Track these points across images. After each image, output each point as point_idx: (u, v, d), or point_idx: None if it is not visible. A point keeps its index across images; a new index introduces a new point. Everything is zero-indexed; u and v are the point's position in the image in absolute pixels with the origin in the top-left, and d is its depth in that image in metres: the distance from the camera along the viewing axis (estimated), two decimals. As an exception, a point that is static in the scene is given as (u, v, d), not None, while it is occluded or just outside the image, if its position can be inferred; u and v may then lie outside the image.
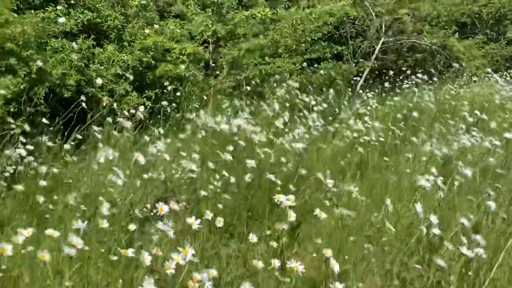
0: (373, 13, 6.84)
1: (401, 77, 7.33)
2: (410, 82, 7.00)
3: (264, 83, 5.31)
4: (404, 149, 3.73)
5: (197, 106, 5.02)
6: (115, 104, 4.89)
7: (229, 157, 2.83)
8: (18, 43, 4.08)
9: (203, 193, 2.59)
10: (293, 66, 5.61)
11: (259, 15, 4.82)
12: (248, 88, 4.94)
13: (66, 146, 3.70)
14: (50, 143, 3.61)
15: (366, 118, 4.49)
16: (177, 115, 4.83)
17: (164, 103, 4.73)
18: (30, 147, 3.37)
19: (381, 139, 3.76)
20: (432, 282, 2.04)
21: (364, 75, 7.02)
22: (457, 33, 8.24)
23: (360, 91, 6.46)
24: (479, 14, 9.92)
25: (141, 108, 4.93)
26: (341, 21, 6.50)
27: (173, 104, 5.04)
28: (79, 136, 3.89)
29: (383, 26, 7.36)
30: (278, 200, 2.15)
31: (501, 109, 5.59)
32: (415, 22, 7.53)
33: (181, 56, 4.69)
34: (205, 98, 5.13)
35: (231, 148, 3.00)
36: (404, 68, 7.82)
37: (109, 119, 4.10)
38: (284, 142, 3.17)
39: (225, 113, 4.50)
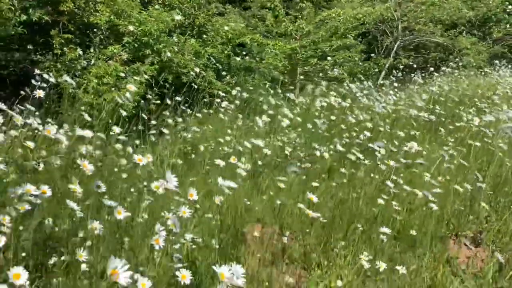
0: (396, 16, 8.19)
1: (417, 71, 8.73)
2: (423, 74, 8.44)
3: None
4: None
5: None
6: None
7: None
8: (153, 37, 5.15)
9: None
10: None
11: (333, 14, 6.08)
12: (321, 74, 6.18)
13: (198, 115, 4.83)
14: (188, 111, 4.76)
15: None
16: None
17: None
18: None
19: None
20: None
21: (386, 66, 8.37)
22: (464, 32, 9.71)
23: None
24: (469, 17, 11.46)
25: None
26: (375, 22, 7.80)
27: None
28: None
29: (399, 27, 8.74)
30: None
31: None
32: (425, 23, 8.93)
33: (273, 51, 5.86)
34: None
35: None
36: (415, 65, 9.23)
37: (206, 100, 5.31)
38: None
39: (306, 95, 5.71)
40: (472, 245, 3.19)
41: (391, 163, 2.96)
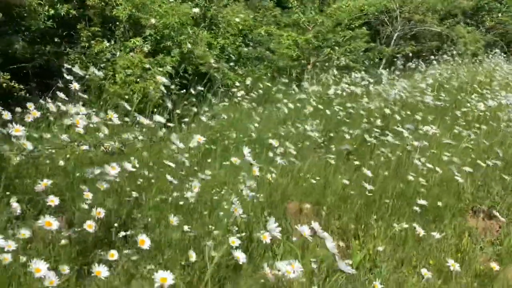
0: (396, 6, 8.49)
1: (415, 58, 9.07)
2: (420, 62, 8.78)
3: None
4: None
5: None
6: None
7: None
8: (174, 30, 5.37)
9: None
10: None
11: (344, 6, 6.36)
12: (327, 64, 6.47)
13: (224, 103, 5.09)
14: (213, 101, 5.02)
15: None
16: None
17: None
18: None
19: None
20: None
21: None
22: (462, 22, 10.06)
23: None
24: (463, 7, 11.80)
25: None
26: (378, 12, 8.08)
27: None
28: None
29: (399, 17, 9.06)
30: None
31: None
32: (423, 13, 9.25)
33: (287, 42, 6.12)
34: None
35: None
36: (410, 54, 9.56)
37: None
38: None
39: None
40: (486, 218, 3.53)
41: (416, 143, 3.27)
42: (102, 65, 5.16)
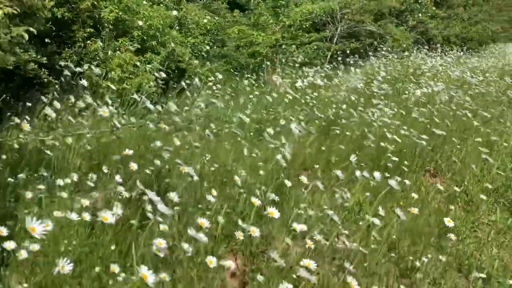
0: (338, 9, 9.64)
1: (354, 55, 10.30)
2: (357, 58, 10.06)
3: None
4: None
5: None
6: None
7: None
8: (158, 30, 5.99)
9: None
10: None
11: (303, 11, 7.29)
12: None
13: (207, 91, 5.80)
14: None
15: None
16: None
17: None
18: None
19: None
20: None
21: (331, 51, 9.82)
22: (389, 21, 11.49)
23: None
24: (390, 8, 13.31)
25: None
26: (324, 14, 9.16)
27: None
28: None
29: (339, 17, 10.23)
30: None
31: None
32: (361, 14, 10.51)
33: (257, 40, 6.94)
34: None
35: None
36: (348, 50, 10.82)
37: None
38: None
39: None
40: (432, 176, 4.62)
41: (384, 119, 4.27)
42: (95, 63, 5.65)
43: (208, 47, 7.71)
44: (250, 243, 2.54)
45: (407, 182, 3.63)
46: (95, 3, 5.68)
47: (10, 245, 1.87)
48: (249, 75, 7.38)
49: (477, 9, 16.81)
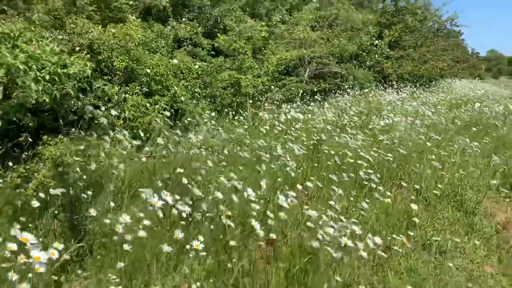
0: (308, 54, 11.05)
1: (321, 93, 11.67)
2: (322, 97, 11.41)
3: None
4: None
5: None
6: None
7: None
8: (163, 76, 7.03)
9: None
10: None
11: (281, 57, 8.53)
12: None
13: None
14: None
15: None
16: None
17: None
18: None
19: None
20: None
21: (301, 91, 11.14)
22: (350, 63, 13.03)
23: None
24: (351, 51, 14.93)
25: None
26: (296, 58, 10.50)
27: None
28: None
29: (307, 61, 11.64)
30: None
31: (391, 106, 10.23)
32: (328, 58, 11.97)
33: (245, 82, 8.08)
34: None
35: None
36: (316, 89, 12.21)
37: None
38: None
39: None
40: (399, 187, 5.76)
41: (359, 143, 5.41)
42: (109, 105, 6.58)
43: (199, 89, 8.79)
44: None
45: (381, 188, 4.72)
46: (110, 54, 6.68)
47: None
48: (233, 113, 8.49)
49: (425, 50, 18.82)
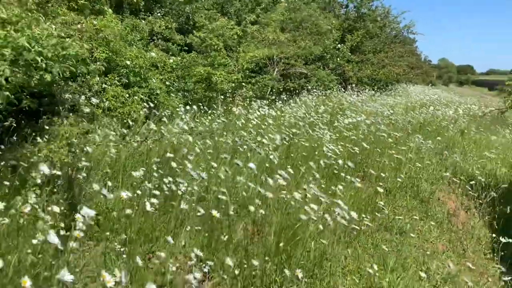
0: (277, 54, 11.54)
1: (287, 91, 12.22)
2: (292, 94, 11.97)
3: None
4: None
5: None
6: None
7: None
8: (142, 68, 7.27)
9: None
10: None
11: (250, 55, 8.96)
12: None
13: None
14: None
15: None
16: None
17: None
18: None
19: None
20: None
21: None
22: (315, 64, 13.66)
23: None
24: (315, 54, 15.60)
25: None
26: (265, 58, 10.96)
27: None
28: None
29: (276, 61, 12.15)
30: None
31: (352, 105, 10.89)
32: (295, 59, 12.53)
33: (219, 78, 8.42)
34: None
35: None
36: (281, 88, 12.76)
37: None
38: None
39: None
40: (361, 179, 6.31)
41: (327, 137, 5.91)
42: (89, 94, 6.75)
43: (174, 83, 9.05)
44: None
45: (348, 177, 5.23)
46: (91, 45, 6.85)
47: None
48: (206, 107, 8.82)
49: (383, 55, 19.81)
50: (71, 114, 5.44)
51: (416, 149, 7.47)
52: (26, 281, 1.98)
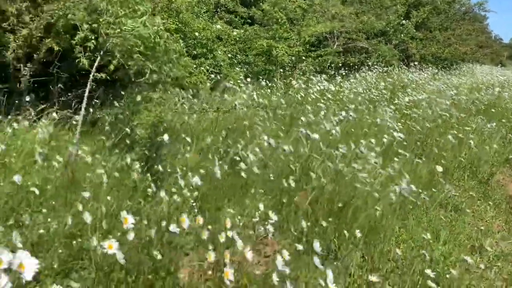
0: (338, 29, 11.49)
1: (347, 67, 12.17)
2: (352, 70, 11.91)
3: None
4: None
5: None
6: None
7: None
8: (210, 40, 7.58)
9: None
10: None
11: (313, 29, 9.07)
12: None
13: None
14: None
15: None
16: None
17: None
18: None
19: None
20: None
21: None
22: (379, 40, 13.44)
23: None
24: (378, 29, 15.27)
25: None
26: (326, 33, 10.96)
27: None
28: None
29: (336, 35, 12.09)
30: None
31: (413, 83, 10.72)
32: (356, 33, 12.40)
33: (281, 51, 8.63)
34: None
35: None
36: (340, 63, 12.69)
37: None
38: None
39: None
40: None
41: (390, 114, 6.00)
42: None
43: (236, 55, 9.35)
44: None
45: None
46: (163, 16, 7.24)
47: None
48: (266, 80, 9.07)
49: (450, 33, 18.99)
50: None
51: (478, 130, 7.35)
52: (127, 218, 2.37)
